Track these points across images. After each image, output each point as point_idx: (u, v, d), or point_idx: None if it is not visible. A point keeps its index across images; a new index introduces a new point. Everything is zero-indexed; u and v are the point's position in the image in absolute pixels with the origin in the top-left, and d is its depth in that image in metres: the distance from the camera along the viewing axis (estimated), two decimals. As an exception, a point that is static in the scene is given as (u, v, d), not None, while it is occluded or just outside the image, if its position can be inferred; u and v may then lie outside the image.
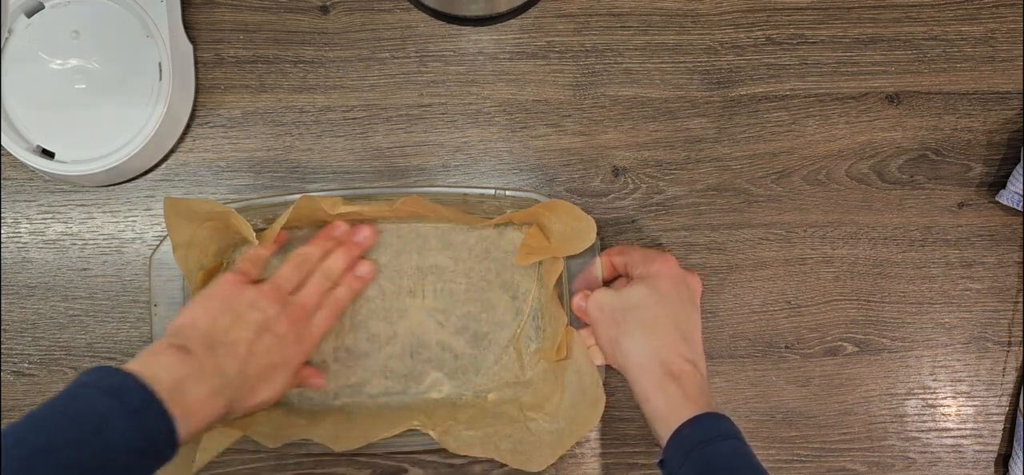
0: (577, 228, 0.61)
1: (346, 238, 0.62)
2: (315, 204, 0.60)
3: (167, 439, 0.48)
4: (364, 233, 0.63)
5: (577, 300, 0.61)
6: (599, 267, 0.62)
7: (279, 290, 0.59)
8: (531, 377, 0.65)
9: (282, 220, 0.60)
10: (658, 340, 0.57)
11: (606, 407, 0.60)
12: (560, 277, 0.63)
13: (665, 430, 0.54)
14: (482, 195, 0.64)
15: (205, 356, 0.52)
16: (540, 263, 0.65)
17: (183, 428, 0.48)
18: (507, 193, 0.64)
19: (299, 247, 0.61)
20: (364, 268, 0.63)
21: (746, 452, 0.52)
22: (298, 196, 0.62)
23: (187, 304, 0.56)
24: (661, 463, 0.54)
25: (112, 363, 0.65)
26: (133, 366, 0.49)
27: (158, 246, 0.63)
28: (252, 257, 0.60)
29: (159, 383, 0.48)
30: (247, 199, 0.64)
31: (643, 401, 0.56)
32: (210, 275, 0.62)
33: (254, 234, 0.60)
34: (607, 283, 0.63)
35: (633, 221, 0.68)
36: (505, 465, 0.64)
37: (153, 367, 0.49)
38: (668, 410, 0.54)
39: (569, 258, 0.63)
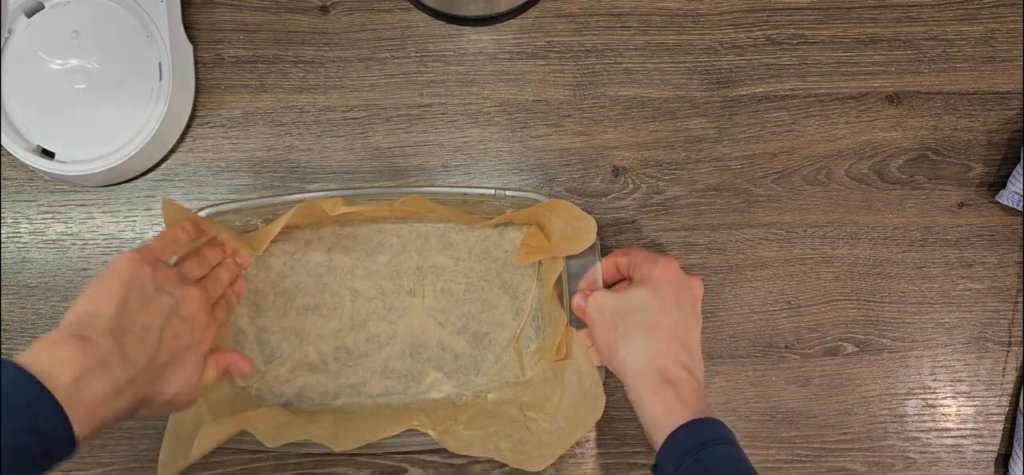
0: (577, 227, 0.61)
1: (231, 255, 0.62)
2: (316, 205, 0.60)
3: (61, 438, 0.44)
4: (242, 257, 0.62)
5: (577, 300, 0.61)
6: (600, 269, 0.62)
7: (182, 274, 0.56)
8: (531, 377, 0.65)
9: (283, 220, 0.60)
10: (656, 346, 0.56)
11: (606, 407, 0.59)
12: (560, 277, 0.63)
13: (660, 435, 0.54)
14: (482, 195, 0.64)
15: (110, 346, 0.48)
16: (540, 263, 0.65)
17: (82, 426, 0.45)
18: (507, 193, 0.64)
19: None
20: (241, 286, 0.62)
21: (740, 457, 0.52)
22: (298, 196, 0.62)
23: (85, 288, 0.51)
24: (655, 468, 0.54)
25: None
26: (24, 359, 0.45)
27: (158, 246, 0.63)
28: (170, 238, 0.57)
29: (53, 379, 0.44)
30: (247, 199, 0.64)
31: (638, 405, 0.56)
32: None
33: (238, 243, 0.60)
34: (609, 286, 0.63)
35: (633, 221, 0.68)
36: (505, 465, 0.64)
37: (46, 360, 0.45)
38: (663, 415, 0.54)
39: (570, 258, 0.63)
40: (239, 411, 0.61)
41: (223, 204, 0.62)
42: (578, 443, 0.66)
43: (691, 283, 0.60)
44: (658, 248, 0.68)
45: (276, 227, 0.60)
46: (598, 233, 0.61)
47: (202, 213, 0.62)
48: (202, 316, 0.55)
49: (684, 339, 0.57)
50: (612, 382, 0.65)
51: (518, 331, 0.65)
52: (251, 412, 0.60)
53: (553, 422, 0.61)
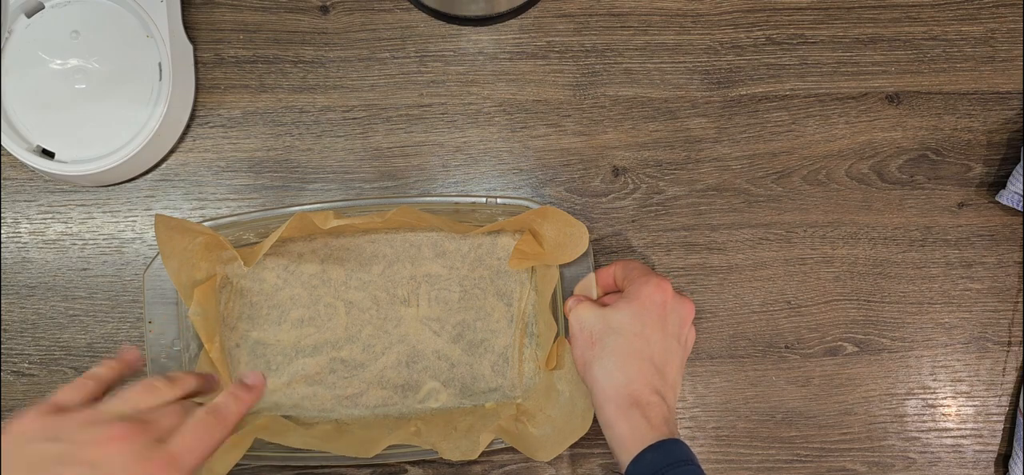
0: (570, 233, 0.60)
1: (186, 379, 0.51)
2: (307, 219, 0.59)
3: None
4: (254, 377, 0.51)
5: (569, 303, 0.61)
6: (594, 278, 0.62)
7: (97, 415, 0.46)
8: (527, 385, 0.65)
9: (275, 236, 0.59)
10: (629, 372, 0.56)
11: None
12: (556, 287, 0.63)
13: (626, 457, 0.54)
14: (473, 203, 0.63)
15: None
16: (534, 271, 0.65)
17: None
18: (498, 201, 0.63)
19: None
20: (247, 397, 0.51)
21: None
22: (289, 209, 0.61)
23: None
24: None
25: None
26: None
27: (150, 264, 0.62)
28: (81, 382, 0.48)
29: None
30: (238, 215, 0.63)
31: (606, 426, 0.56)
32: (205, 291, 0.61)
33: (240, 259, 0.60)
34: (606, 294, 0.62)
35: (633, 221, 0.68)
36: (505, 465, 0.64)
37: None
38: (630, 438, 0.54)
39: (565, 267, 0.63)
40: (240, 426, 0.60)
41: (215, 219, 0.62)
42: (577, 443, 0.66)
43: (680, 305, 0.58)
44: (657, 248, 0.68)
45: (268, 242, 0.59)
46: (592, 238, 0.61)
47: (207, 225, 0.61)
48: (121, 455, 0.44)
49: (660, 365, 0.56)
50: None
51: (513, 338, 0.65)
52: (253, 424, 0.60)
53: (544, 429, 0.61)
